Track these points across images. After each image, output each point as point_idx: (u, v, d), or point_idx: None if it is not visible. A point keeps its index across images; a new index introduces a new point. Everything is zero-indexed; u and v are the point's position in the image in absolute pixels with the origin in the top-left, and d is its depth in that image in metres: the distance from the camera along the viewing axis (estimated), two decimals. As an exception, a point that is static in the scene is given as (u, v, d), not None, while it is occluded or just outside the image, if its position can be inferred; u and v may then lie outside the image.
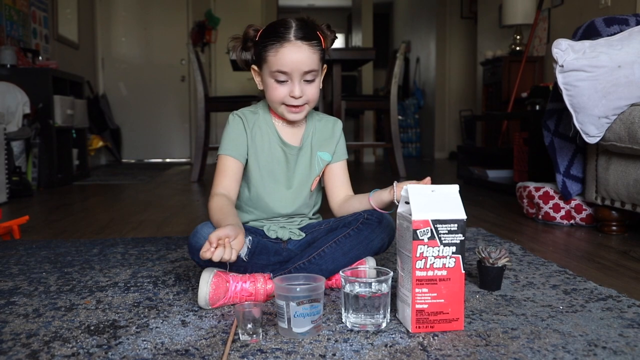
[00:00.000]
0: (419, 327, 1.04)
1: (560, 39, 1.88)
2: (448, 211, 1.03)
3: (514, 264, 1.56)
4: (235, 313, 1.03)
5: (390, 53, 8.02)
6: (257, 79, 1.33)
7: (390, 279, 1.06)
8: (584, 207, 2.16)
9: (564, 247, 1.85)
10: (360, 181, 4.13)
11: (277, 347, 0.97)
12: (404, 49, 4.48)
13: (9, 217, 2.33)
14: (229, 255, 1.03)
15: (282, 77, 1.25)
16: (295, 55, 1.22)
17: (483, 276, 1.32)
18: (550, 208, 2.23)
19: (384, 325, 1.06)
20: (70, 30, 5.11)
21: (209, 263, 1.13)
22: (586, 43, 1.86)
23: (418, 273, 1.03)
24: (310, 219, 1.43)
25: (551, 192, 2.23)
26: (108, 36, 6.04)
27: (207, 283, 1.16)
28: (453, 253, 1.03)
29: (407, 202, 1.06)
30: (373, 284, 1.06)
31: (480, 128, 5.52)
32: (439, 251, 1.03)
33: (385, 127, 4.44)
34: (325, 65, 1.32)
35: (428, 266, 1.03)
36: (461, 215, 1.04)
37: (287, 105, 1.28)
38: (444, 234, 1.03)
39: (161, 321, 1.11)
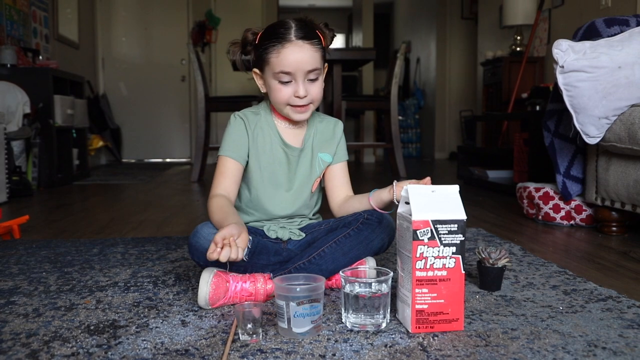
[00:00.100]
0: (419, 328, 1.04)
1: (560, 40, 1.88)
2: (448, 211, 1.03)
3: (514, 264, 1.56)
4: (235, 313, 1.03)
5: (390, 53, 8.02)
6: (259, 82, 1.33)
7: (390, 279, 1.06)
8: (584, 208, 2.16)
9: (564, 247, 1.85)
10: (361, 181, 4.13)
11: (277, 347, 0.97)
12: (405, 49, 4.47)
13: (9, 217, 2.33)
14: (236, 254, 1.04)
15: (285, 78, 1.25)
16: (298, 55, 1.22)
17: (483, 276, 1.32)
18: (550, 209, 2.23)
19: (383, 325, 1.06)
20: (70, 30, 5.11)
21: (211, 263, 1.13)
22: (587, 44, 1.86)
23: (418, 273, 1.03)
24: (311, 219, 1.43)
25: (551, 193, 2.23)
26: (108, 36, 6.04)
27: (207, 283, 1.16)
28: (453, 253, 1.03)
29: (407, 203, 1.06)
30: (373, 284, 1.06)
31: (481, 128, 5.52)
32: (439, 251, 1.03)
33: (385, 127, 4.44)
34: (326, 64, 1.32)
35: (428, 266, 1.03)
36: (461, 215, 1.04)
37: (292, 105, 1.28)
38: (444, 234, 1.03)
39: (161, 321, 1.11)
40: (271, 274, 1.24)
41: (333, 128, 1.41)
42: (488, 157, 3.78)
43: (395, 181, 1.25)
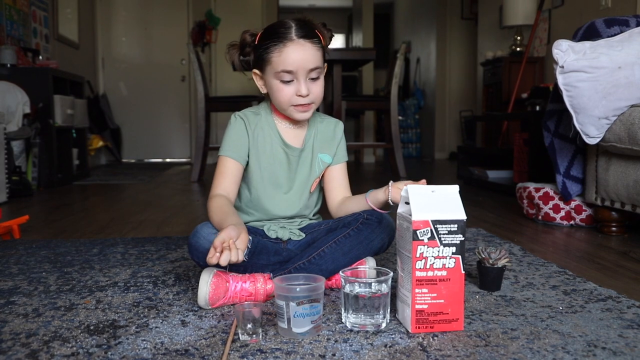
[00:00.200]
0: (419, 328, 1.04)
1: (560, 40, 1.88)
2: (448, 211, 1.03)
3: (513, 264, 1.56)
4: (235, 313, 1.03)
5: (390, 53, 8.02)
6: (259, 83, 1.33)
7: (390, 279, 1.06)
8: (583, 208, 2.16)
9: (563, 247, 1.85)
10: (361, 181, 4.13)
11: (276, 347, 0.97)
12: (405, 50, 4.47)
13: (9, 217, 2.33)
14: (236, 257, 1.04)
15: (287, 77, 1.24)
16: (300, 54, 1.22)
17: (483, 277, 1.32)
18: (550, 209, 2.23)
19: (383, 325, 1.06)
20: (70, 30, 5.11)
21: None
22: (586, 44, 1.86)
23: (418, 273, 1.03)
24: (311, 219, 1.43)
25: (551, 193, 2.23)
26: (108, 36, 6.04)
27: (207, 283, 1.16)
28: (453, 253, 1.03)
29: (407, 203, 1.06)
30: (373, 284, 1.06)
31: (481, 128, 5.52)
32: (438, 251, 1.03)
33: (385, 127, 4.44)
34: (325, 64, 1.32)
35: (428, 266, 1.03)
36: (461, 215, 1.04)
37: (294, 105, 1.28)
38: (444, 234, 1.03)
39: (161, 321, 1.11)
40: (271, 274, 1.24)
41: (334, 129, 1.41)
42: (488, 157, 3.78)
43: (391, 182, 1.26)
